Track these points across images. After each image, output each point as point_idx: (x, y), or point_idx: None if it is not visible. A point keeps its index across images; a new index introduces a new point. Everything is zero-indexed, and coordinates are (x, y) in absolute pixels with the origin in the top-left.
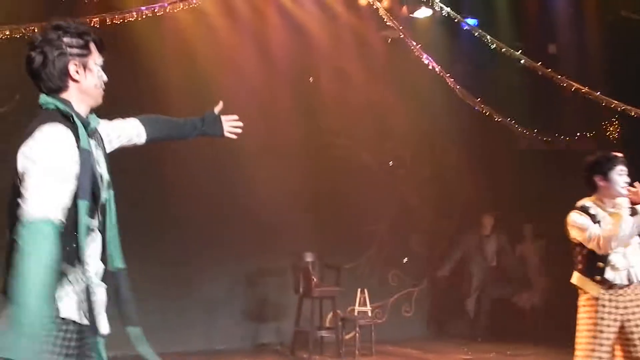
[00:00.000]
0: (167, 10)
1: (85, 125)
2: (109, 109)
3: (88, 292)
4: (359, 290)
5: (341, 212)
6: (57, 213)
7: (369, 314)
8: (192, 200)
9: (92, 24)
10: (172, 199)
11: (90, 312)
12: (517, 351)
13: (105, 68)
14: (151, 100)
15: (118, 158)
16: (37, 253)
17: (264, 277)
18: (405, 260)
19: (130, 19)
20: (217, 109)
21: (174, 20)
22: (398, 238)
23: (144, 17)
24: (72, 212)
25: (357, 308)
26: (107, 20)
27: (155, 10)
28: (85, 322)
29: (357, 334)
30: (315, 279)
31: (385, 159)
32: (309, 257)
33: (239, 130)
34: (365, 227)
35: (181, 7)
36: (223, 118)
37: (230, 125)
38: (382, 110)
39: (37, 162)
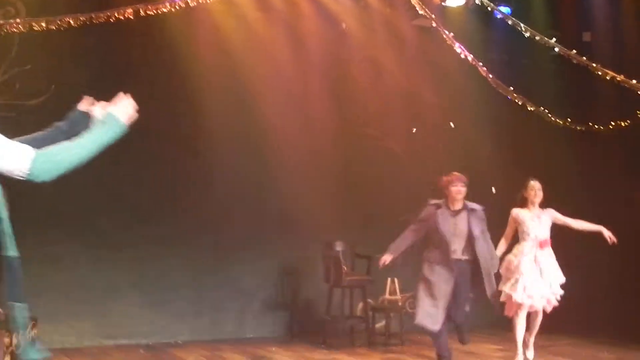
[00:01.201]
0: (200, 2)
1: None
2: (143, 99)
3: None
4: (390, 279)
5: (373, 202)
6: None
7: (400, 304)
8: (226, 189)
9: (125, 15)
10: (207, 189)
11: None
12: (550, 342)
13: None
14: (184, 91)
15: (151, 151)
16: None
17: (295, 266)
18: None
19: (164, 9)
20: (81, 107)
21: (206, 11)
22: None
23: (177, 8)
24: None
25: (387, 297)
26: (141, 12)
27: (189, 1)
28: None
29: (387, 323)
30: (345, 269)
31: (416, 148)
32: (339, 247)
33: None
34: (397, 217)
35: None
36: (90, 110)
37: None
38: (414, 99)
39: None
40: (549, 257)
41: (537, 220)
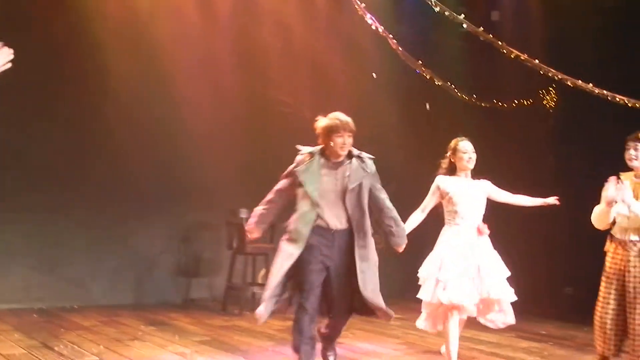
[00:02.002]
0: None
1: None
2: (47, 58)
3: None
4: None
5: (280, 169)
6: None
7: None
8: (127, 153)
9: None
10: (110, 152)
11: None
12: None
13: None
14: (90, 51)
15: (55, 114)
16: None
17: (198, 232)
18: None
19: None
20: None
21: None
22: None
23: None
24: None
25: None
26: None
27: None
28: None
29: None
30: (249, 236)
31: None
32: (243, 214)
33: None
34: None
35: None
36: None
37: None
38: (324, 68)
39: None
40: (487, 247)
41: (470, 196)
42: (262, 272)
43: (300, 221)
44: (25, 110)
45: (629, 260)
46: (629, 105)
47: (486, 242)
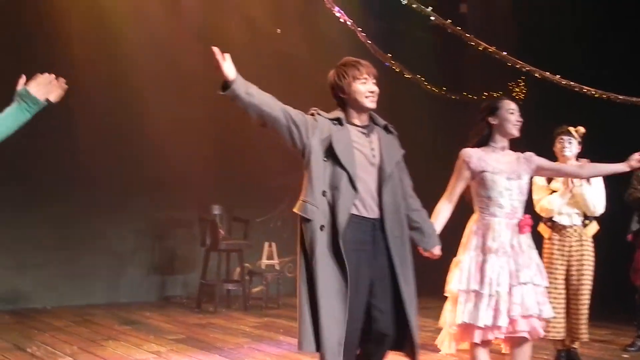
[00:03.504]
0: None
1: None
2: (15, 45)
3: None
4: (267, 244)
5: (251, 165)
6: None
7: (277, 267)
8: (100, 151)
9: None
10: (80, 149)
11: None
12: None
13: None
14: (54, 53)
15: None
16: None
17: (172, 229)
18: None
19: None
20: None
21: None
22: None
23: None
24: None
25: (264, 261)
26: None
27: None
28: None
29: (264, 288)
30: (222, 232)
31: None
32: (216, 210)
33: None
34: (278, 180)
35: None
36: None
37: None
38: (292, 62)
39: None
40: (529, 248)
41: (514, 178)
42: (237, 269)
43: (327, 208)
44: None
45: (571, 246)
46: (596, 96)
47: (528, 242)
